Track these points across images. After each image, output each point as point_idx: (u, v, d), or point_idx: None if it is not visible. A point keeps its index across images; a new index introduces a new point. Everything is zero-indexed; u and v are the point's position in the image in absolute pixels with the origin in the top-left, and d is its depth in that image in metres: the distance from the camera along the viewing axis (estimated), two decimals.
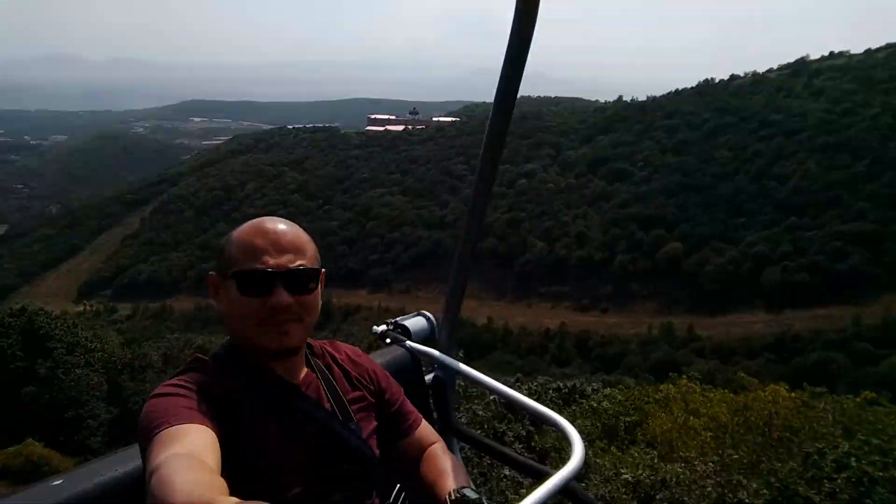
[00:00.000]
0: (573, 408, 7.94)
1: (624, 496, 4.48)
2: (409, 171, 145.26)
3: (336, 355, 1.37)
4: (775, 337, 67.14)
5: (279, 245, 1.15)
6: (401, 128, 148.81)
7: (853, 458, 3.93)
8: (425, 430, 1.47)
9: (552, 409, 1.62)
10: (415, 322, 1.96)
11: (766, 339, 67.64)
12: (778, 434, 5.58)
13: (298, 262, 1.15)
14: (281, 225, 1.18)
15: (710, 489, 4.35)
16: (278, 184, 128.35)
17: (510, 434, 6.45)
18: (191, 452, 0.89)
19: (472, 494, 1.24)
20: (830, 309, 76.38)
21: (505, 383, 1.79)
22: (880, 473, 3.74)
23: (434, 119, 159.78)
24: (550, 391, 8.70)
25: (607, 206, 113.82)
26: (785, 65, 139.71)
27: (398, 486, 1.41)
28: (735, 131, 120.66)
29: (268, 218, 1.19)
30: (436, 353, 1.88)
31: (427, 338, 1.94)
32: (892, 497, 3.61)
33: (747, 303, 77.16)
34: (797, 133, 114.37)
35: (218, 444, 0.97)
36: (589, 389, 9.23)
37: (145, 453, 0.94)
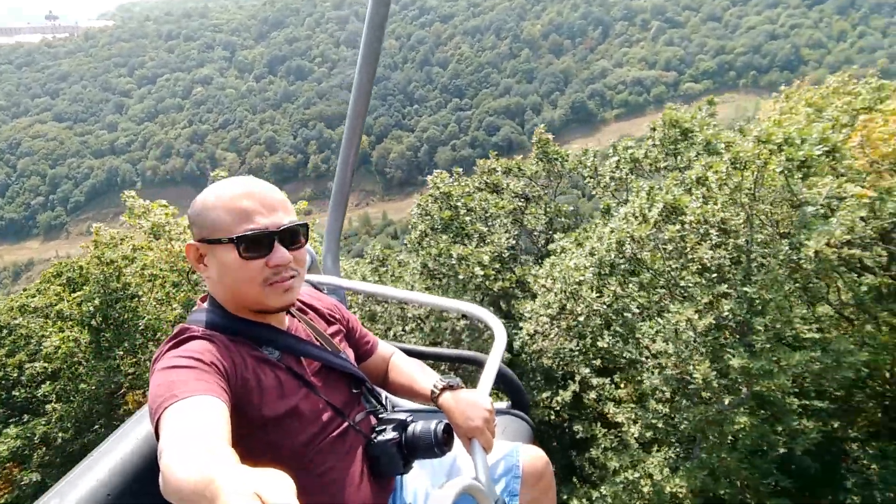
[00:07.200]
0: None
1: None
2: (60, 91, 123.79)
3: (299, 297, 1.39)
4: None
5: (267, 203, 1.14)
6: (37, 38, 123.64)
7: None
8: (383, 345, 1.56)
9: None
10: None
11: None
12: None
13: (288, 219, 1.15)
14: (260, 183, 1.18)
15: None
16: None
17: None
18: (199, 427, 0.88)
19: (453, 380, 1.32)
20: None
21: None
22: None
23: (80, 24, 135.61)
24: None
25: (293, 107, 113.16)
26: None
27: (384, 393, 1.50)
28: (399, 19, 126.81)
29: (241, 178, 1.18)
30: (327, 278, 1.92)
31: (308, 269, 1.93)
32: None
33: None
34: (451, 18, 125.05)
35: (228, 412, 0.96)
36: None
37: (157, 429, 0.93)
